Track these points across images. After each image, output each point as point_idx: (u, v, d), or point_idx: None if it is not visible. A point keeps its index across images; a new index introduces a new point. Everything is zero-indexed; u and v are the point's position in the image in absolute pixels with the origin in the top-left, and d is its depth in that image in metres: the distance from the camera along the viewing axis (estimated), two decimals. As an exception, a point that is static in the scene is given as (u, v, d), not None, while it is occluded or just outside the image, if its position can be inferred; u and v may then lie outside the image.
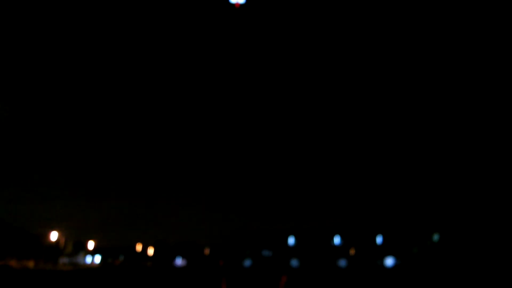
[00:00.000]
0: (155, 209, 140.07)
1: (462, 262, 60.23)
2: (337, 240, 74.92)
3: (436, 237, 68.57)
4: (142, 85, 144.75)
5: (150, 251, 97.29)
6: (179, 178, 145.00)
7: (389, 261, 69.45)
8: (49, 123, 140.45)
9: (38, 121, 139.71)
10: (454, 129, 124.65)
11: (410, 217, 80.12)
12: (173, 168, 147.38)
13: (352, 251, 73.10)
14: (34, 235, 77.57)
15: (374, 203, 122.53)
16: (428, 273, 42.07)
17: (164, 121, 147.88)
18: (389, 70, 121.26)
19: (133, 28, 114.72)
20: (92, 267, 71.43)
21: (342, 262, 71.97)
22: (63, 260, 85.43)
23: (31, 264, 65.97)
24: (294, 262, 73.27)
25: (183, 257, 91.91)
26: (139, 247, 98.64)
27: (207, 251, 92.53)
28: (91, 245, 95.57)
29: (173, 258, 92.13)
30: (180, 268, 64.25)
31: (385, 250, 70.87)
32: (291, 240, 77.49)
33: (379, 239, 72.23)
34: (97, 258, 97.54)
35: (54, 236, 75.63)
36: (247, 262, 75.88)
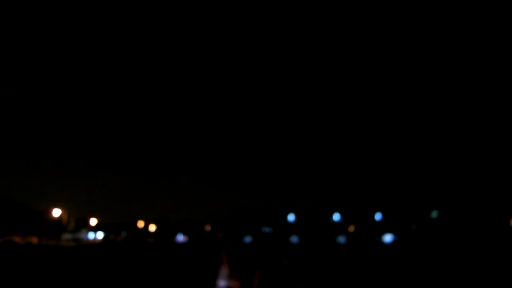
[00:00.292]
0: (156, 186, 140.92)
1: (460, 239, 60.80)
2: (336, 217, 75.52)
3: (434, 214, 69.06)
4: (146, 59, 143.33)
5: (152, 227, 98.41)
6: (181, 156, 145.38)
7: (388, 238, 70.15)
8: (51, 99, 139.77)
9: (41, 97, 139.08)
10: (452, 108, 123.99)
11: (409, 195, 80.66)
12: (175, 147, 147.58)
13: (351, 228, 73.77)
14: (37, 211, 78.32)
15: (373, 180, 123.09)
16: (426, 249, 42.53)
17: (167, 99, 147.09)
18: (385, 51, 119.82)
19: None
20: (95, 243, 72.28)
21: (341, 239, 72.71)
22: (66, 236, 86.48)
23: (34, 240, 66.78)
24: (294, 239, 74.06)
25: (185, 233, 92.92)
26: (140, 224, 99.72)
27: (208, 227, 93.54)
28: (93, 221, 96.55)
29: (175, 235, 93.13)
30: (182, 244, 65.02)
31: (384, 227, 71.51)
32: (291, 217, 78.15)
33: (378, 216, 72.81)
34: (100, 235, 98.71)
35: (56, 212, 76.27)
36: (248, 239, 76.82)
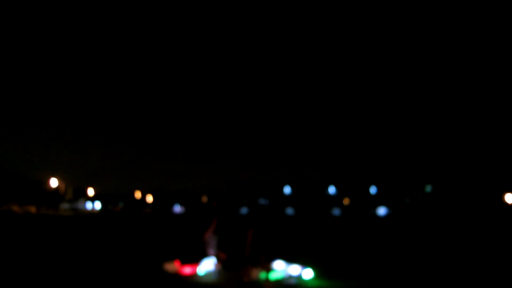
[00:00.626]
0: (154, 158, 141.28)
1: (453, 213, 61.81)
2: (332, 190, 76.38)
3: (428, 188, 69.95)
4: (144, 30, 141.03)
5: (149, 198, 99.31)
6: (178, 128, 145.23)
7: (382, 211, 71.22)
8: (47, 67, 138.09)
9: (36, 65, 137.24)
10: (446, 82, 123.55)
11: (403, 169, 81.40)
12: (172, 118, 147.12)
13: (346, 201, 74.76)
14: (35, 181, 78.71)
15: (368, 154, 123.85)
16: (420, 222, 43.27)
17: (163, 71, 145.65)
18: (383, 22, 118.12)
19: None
20: (93, 213, 73.12)
21: (336, 211, 73.77)
22: (64, 206, 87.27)
23: (33, 209, 67.43)
24: (290, 211, 75.09)
25: (181, 204, 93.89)
26: (138, 195, 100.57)
27: (204, 198, 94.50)
28: (91, 192, 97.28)
29: (172, 205, 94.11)
30: (179, 215, 65.88)
31: (378, 200, 72.51)
32: (287, 190, 79.00)
33: (372, 190, 73.71)
34: (97, 205, 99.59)
35: (54, 182, 76.77)
36: (244, 210, 77.86)
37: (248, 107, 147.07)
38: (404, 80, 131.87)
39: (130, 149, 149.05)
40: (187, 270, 9.09)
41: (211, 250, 9.62)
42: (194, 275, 8.87)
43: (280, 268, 8.76)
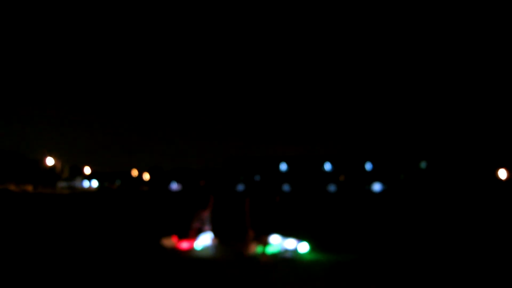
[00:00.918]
0: (150, 136, 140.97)
1: (447, 189, 62.48)
2: (327, 166, 76.81)
3: (423, 164, 70.44)
4: (145, 11, 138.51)
5: (146, 176, 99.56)
6: (174, 106, 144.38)
7: (377, 187, 71.86)
8: (43, 45, 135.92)
9: (32, 42, 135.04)
10: (442, 59, 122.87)
11: (398, 145, 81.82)
12: (168, 96, 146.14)
13: (341, 177, 75.27)
14: (32, 160, 78.62)
15: (364, 131, 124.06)
16: (414, 198, 43.77)
17: (162, 50, 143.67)
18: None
19: None
20: (90, 191, 73.37)
21: (332, 187, 74.38)
22: (61, 184, 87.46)
23: (30, 188, 67.57)
24: (286, 187, 75.64)
25: (178, 182, 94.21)
26: (134, 173, 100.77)
27: (202, 181, 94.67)
28: (87, 170, 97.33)
29: (168, 183, 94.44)
30: (175, 192, 66.23)
31: (373, 176, 73.05)
32: (283, 166, 79.38)
33: (368, 166, 74.18)
34: (94, 183, 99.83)
35: (50, 161, 76.64)
36: (240, 187, 78.34)
37: (245, 84, 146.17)
38: (398, 61, 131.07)
39: (126, 127, 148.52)
40: (184, 245, 9.22)
41: (208, 226, 9.75)
42: (191, 250, 9.01)
43: (276, 242, 8.90)
